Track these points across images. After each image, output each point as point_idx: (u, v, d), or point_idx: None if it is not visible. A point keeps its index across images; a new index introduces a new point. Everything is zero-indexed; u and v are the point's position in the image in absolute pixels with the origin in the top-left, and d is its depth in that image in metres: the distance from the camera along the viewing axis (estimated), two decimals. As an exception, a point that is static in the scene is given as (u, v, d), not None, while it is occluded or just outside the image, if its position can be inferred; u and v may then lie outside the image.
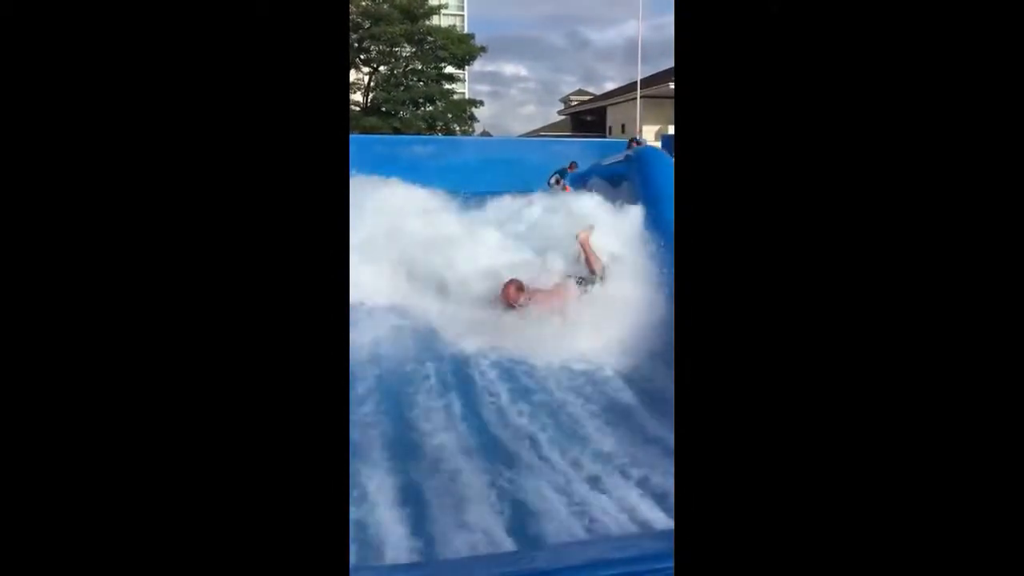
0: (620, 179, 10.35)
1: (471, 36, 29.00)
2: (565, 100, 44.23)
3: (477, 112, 29.28)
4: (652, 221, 8.33)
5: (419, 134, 24.23)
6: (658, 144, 13.49)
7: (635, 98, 18.91)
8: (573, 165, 14.08)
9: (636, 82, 20.17)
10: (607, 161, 12.03)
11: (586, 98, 41.48)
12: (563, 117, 40.60)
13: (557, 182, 13.04)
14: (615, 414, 4.34)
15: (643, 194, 9.18)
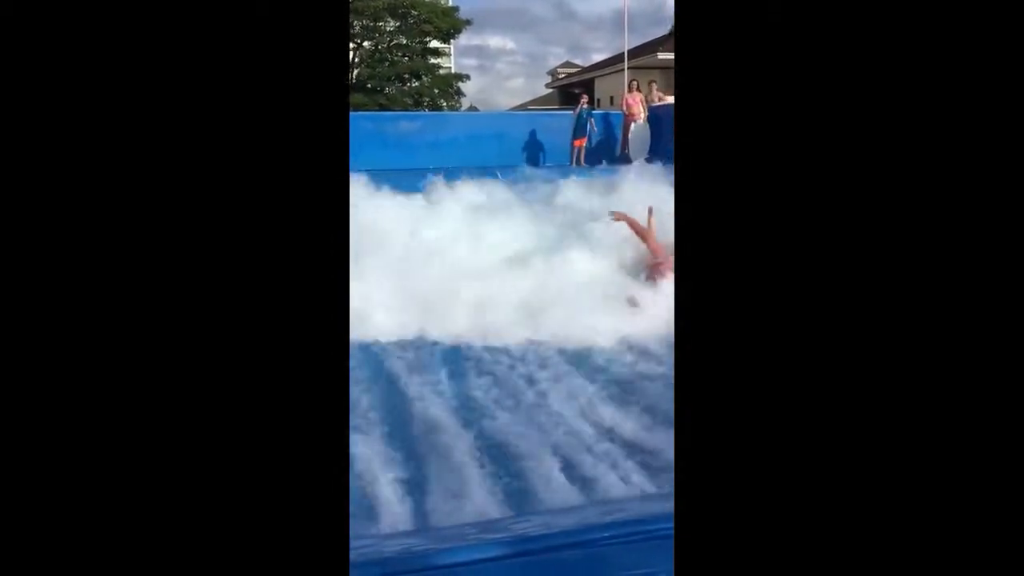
0: None
1: (456, 9, 28.63)
2: (552, 73, 43.80)
3: (464, 87, 29.02)
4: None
5: (406, 110, 24.00)
6: (644, 115, 13.41)
7: (623, 69, 18.76)
8: (584, 98, 13.91)
9: (623, 53, 19.99)
10: None
11: (573, 70, 41.05)
12: (551, 90, 40.24)
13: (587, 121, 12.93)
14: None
15: None
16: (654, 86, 14.04)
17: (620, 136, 13.59)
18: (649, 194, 9.36)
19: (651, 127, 13.17)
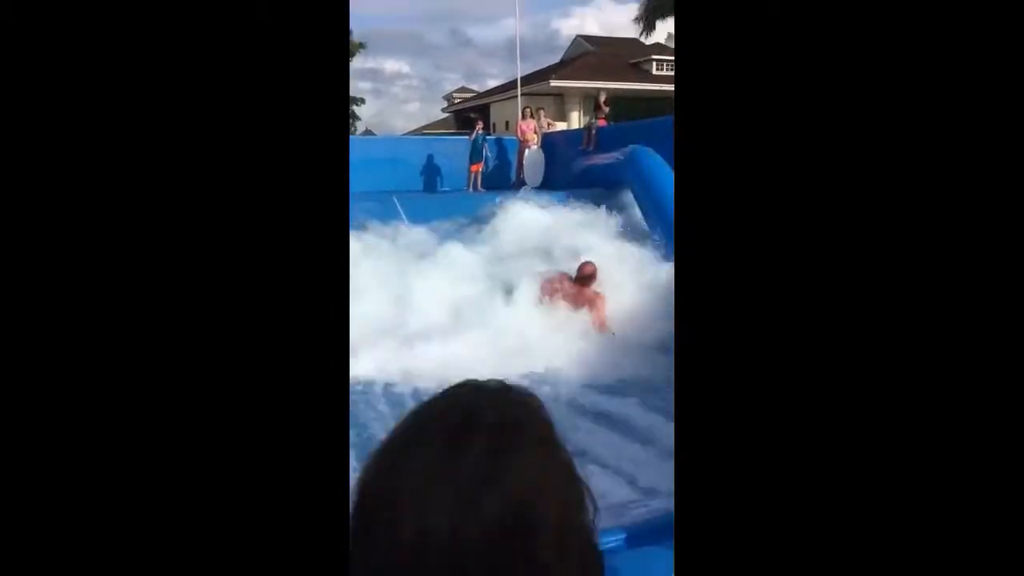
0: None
1: (349, 32, 28.36)
2: (448, 97, 44.02)
3: (359, 110, 28.71)
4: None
5: (299, 133, 23.36)
6: (538, 141, 13.71)
7: (517, 96, 19.17)
8: (479, 123, 13.92)
9: (517, 79, 20.43)
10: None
11: (469, 95, 41.37)
12: (447, 115, 40.43)
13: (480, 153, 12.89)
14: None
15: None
16: (542, 113, 14.38)
17: (515, 162, 13.83)
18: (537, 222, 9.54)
19: (545, 153, 13.49)
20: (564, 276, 7.53)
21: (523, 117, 13.99)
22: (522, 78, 20.70)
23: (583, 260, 7.49)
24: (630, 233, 9.47)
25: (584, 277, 7.31)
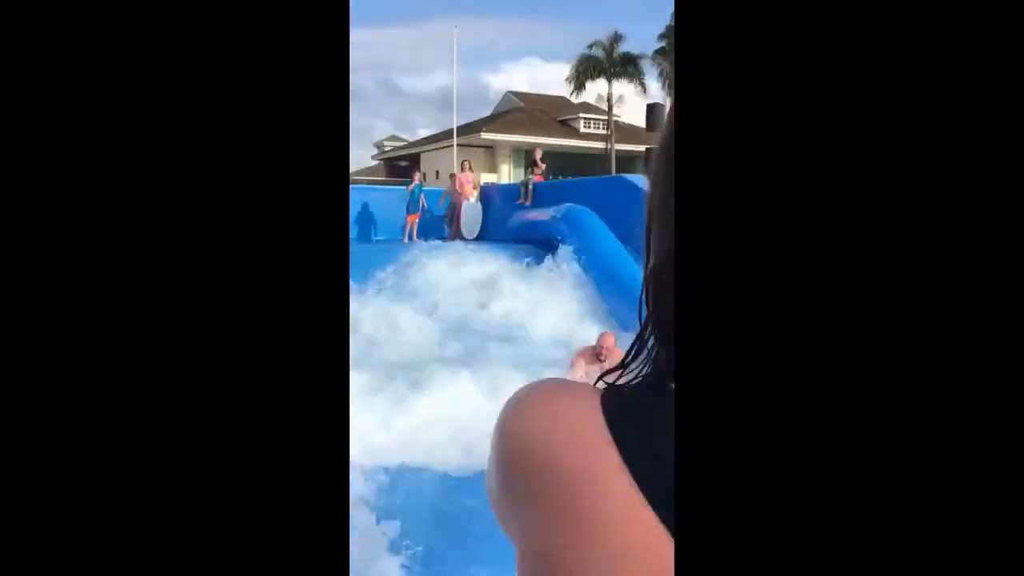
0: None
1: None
2: (379, 145, 44.27)
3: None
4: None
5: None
6: (476, 194, 13.91)
7: (449, 145, 19.46)
8: (416, 173, 13.72)
9: (449, 129, 20.77)
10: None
11: (400, 144, 41.75)
12: (377, 162, 40.61)
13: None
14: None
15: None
16: (467, 165, 14.58)
17: (452, 213, 13.95)
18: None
19: (482, 206, 13.68)
20: (592, 350, 7.44)
21: (462, 170, 14.17)
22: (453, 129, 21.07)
23: (602, 333, 7.35)
24: (572, 287, 9.69)
25: (608, 348, 7.30)
